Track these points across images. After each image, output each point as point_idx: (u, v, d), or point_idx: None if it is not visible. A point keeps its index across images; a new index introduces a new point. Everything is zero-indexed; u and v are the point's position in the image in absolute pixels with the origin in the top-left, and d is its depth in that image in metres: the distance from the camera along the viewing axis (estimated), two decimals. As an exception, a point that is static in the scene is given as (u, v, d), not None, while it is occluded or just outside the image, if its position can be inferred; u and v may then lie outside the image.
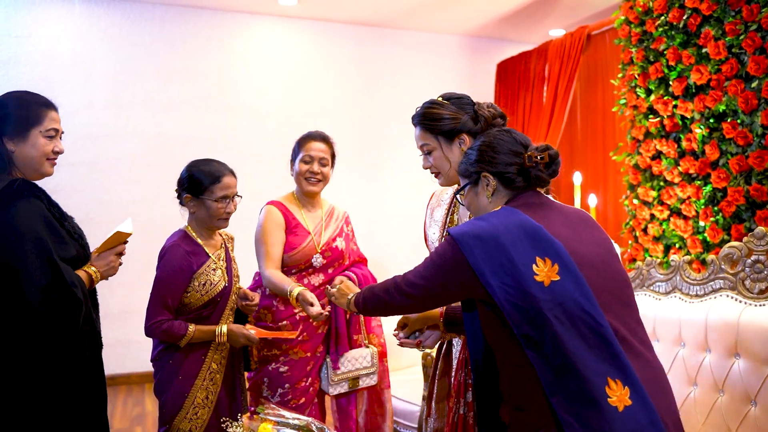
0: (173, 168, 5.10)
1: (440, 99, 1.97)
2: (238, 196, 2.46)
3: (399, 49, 6.25)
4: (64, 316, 1.86)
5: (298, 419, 1.77)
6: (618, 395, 1.39)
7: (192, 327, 2.31)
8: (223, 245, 2.50)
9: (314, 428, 1.77)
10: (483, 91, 6.48)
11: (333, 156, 2.72)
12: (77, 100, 5.18)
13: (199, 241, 2.41)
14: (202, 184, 2.37)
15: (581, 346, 1.41)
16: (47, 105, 2.05)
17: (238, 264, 2.61)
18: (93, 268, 2.03)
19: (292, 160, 2.72)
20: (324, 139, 2.70)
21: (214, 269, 2.39)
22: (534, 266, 1.46)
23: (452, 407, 2.02)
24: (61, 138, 2.08)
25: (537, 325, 1.42)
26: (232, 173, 2.44)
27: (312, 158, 2.64)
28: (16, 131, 1.96)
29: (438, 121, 1.92)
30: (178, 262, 2.32)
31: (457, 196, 1.78)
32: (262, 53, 5.79)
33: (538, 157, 1.65)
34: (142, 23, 5.40)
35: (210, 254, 2.41)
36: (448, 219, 2.09)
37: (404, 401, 3.15)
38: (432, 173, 2.00)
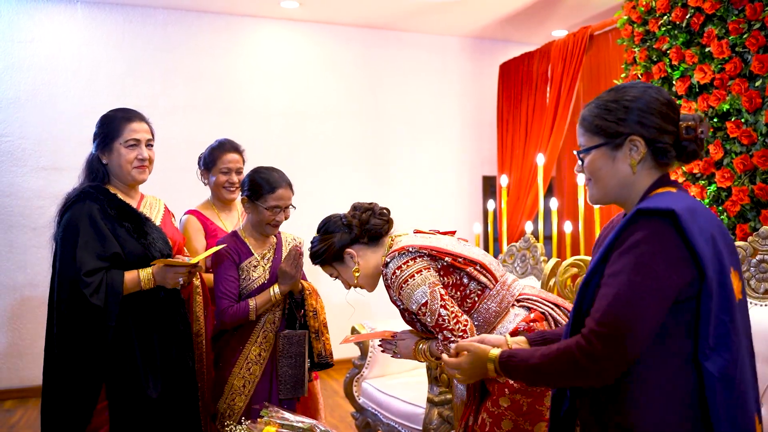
0: (177, 172, 5.10)
1: (317, 235, 2.12)
2: (292, 206, 2.55)
3: (402, 50, 6.25)
4: (79, 304, 2.10)
5: (302, 422, 1.76)
6: None
7: (252, 301, 2.44)
8: (272, 248, 2.60)
9: (318, 431, 1.76)
10: (486, 93, 6.47)
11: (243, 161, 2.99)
12: (80, 105, 5.17)
13: (246, 240, 2.54)
14: (260, 190, 2.47)
15: None
16: (127, 118, 2.27)
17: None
18: (149, 272, 2.19)
19: (207, 171, 2.95)
20: (236, 149, 2.96)
21: (255, 266, 2.52)
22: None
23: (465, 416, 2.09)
24: (148, 145, 2.30)
25: None
26: (290, 186, 2.53)
27: (229, 170, 2.90)
28: (103, 146, 2.26)
29: (321, 255, 2.08)
30: (223, 254, 2.48)
31: (579, 155, 1.46)
32: (264, 56, 5.79)
33: (700, 131, 1.39)
34: (145, 27, 5.41)
35: (254, 252, 2.54)
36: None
37: (409, 403, 3.14)
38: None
